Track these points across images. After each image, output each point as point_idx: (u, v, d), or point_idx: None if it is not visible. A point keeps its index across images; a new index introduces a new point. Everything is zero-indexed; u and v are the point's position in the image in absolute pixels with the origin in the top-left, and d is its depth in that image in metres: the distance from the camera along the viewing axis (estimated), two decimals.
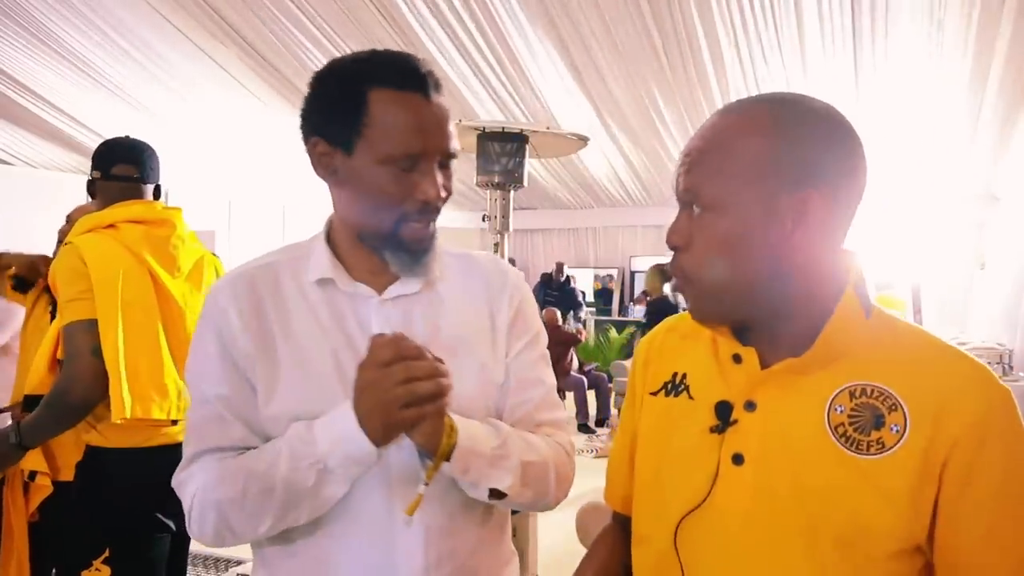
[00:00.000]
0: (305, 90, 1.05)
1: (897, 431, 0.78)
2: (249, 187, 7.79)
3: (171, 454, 1.90)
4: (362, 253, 1.07)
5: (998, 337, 6.12)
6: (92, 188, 2.00)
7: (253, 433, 1.03)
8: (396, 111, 0.98)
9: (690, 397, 0.91)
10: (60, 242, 2.47)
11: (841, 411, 0.81)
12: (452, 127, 1.04)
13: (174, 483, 1.06)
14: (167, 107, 5.68)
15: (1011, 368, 5.65)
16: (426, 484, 0.95)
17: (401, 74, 0.99)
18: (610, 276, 9.75)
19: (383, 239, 1.03)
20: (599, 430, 6.85)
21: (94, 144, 6.11)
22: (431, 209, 1.02)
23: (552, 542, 3.52)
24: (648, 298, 7.61)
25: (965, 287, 7.30)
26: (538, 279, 9.11)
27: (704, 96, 5.51)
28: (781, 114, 0.81)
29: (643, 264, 9.33)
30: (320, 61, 5.11)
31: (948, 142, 5.85)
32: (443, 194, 1.03)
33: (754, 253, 0.81)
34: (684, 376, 0.94)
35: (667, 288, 6.94)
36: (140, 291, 1.87)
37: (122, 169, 1.98)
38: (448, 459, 0.95)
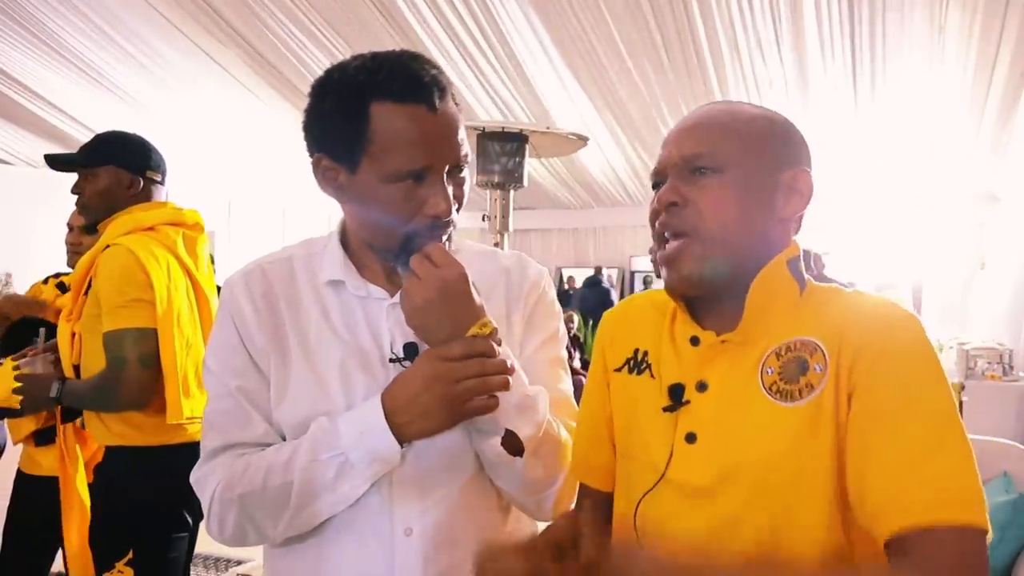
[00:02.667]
0: (306, 90, 1.03)
1: (820, 369, 0.82)
2: (249, 187, 7.79)
3: (193, 450, 1.91)
4: (373, 258, 1.05)
5: (999, 337, 6.12)
6: (144, 186, 1.98)
7: (273, 430, 1.02)
8: (399, 126, 0.93)
9: (652, 376, 0.94)
10: (74, 252, 2.46)
11: (771, 372, 0.85)
12: (462, 133, 0.99)
13: (192, 480, 1.04)
14: (167, 107, 5.68)
15: (1011, 368, 5.64)
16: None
17: (404, 86, 0.94)
18: (610, 276, 9.75)
19: (395, 255, 0.99)
20: None
21: None
22: (442, 224, 0.98)
23: None
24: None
25: (966, 287, 7.30)
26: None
27: (705, 96, 5.51)
28: (770, 110, 0.93)
29: (643, 264, 9.33)
30: (320, 60, 5.11)
31: (949, 142, 5.85)
32: (455, 206, 0.99)
33: (751, 218, 0.87)
34: (646, 354, 0.97)
35: None
36: (187, 294, 1.91)
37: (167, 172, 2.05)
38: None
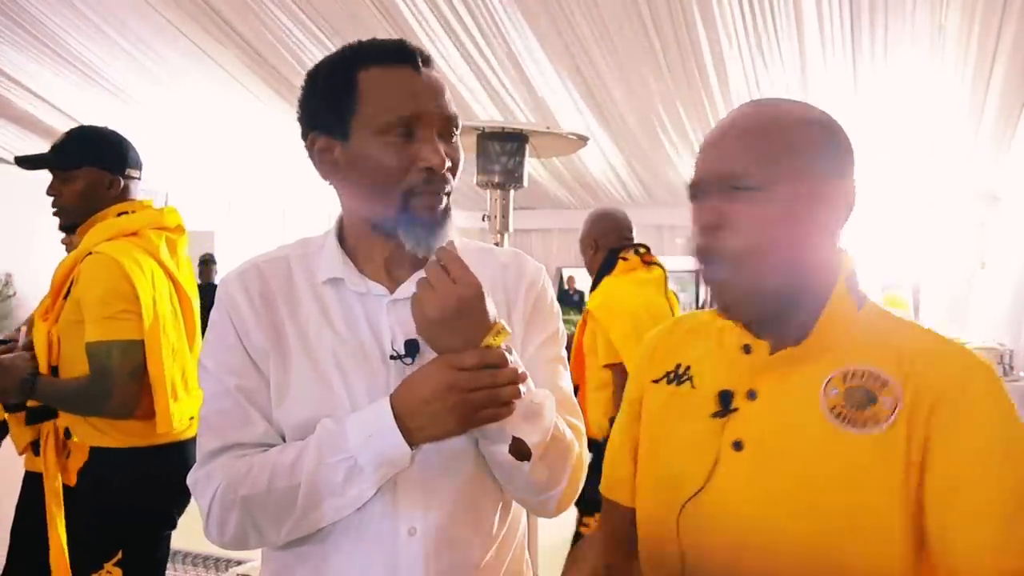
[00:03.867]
0: None
1: (890, 406, 0.80)
2: (249, 187, 7.79)
3: (181, 449, 1.92)
4: (374, 247, 1.04)
5: (999, 337, 6.12)
6: (124, 185, 1.94)
7: (273, 429, 1.01)
8: (387, 82, 0.97)
9: (692, 386, 0.93)
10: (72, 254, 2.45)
11: (836, 393, 0.82)
12: (447, 97, 1.02)
13: (190, 482, 1.02)
14: (167, 107, 5.68)
15: (1011, 368, 5.64)
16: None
17: (388, 52, 0.99)
18: None
19: (395, 219, 0.99)
20: None
21: None
22: (438, 179, 0.99)
23: (552, 543, 3.52)
24: None
25: (966, 287, 7.29)
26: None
27: (704, 96, 5.51)
28: (812, 111, 0.88)
29: None
30: (319, 60, 5.12)
31: (949, 142, 5.84)
32: (448, 163, 1.00)
33: (797, 238, 0.83)
34: (688, 367, 0.95)
35: None
36: (171, 300, 1.90)
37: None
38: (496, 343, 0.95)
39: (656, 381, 0.98)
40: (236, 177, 7.43)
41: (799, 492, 0.81)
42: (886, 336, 0.85)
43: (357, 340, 1.01)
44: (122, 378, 1.76)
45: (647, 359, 1.02)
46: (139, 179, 1.99)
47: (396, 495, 0.98)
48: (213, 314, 1.05)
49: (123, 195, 1.94)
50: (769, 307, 0.87)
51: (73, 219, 1.94)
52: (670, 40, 4.79)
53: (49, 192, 1.93)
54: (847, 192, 0.87)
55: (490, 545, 1.05)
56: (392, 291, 1.04)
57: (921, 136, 5.81)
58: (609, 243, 3.20)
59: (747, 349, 0.89)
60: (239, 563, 3.75)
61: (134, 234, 1.88)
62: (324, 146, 1.01)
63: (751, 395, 0.87)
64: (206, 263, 6.61)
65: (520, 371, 0.94)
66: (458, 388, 0.91)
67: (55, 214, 1.98)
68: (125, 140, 2.00)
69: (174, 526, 1.94)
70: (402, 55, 0.98)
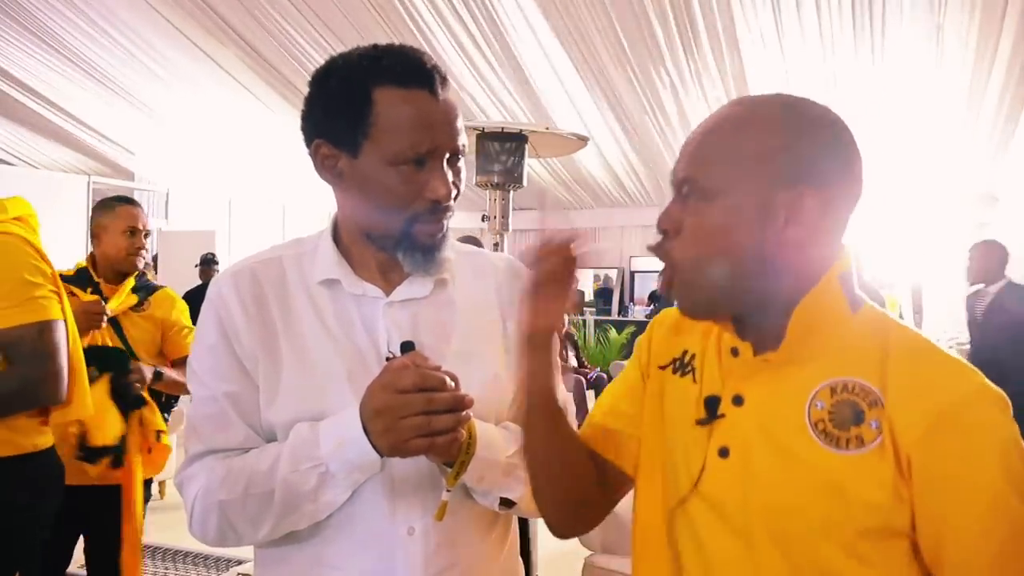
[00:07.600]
0: (305, 90, 1.03)
1: (876, 427, 0.77)
2: (249, 187, 7.80)
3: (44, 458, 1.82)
4: (370, 251, 1.04)
5: None
6: None
7: (257, 434, 1.01)
8: (404, 110, 0.95)
9: (694, 380, 0.90)
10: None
11: (821, 407, 0.80)
12: (460, 123, 1.01)
13: (176, 482, 1.03)
14: (168, 107, 5.68)
15: None
16: (448, 491, 0.95)
17: (406, 71, 0.96)
18: (610, 276, 9.75)
19: (394, 240, 1.00)
20: None
21: (96, 144, 6.08)
22: (442, 208, 0.99)
23: (552, 544, 3.52)
24: None
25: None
26: None
27: (706, 96, 5.51)
28: (784, 112, 0.82)
29: (643, 264, 9.33)
30: (319, 61, 5.12)
31: (948, 142, 5.85)
32: (453, 192, 1.00)
33: (743, 245, 0.80)
34: (692, 357, 0.93)
35: None
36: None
37: None
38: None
39: (663, 367, 0.95)
40: (236, 176, 7.44)
41: (778, 504, 0.80)
42: (883, 346, 0.80)
43: (352, 342, 1.01)
44: (59, 359, 1.68)
45: (658, 340, 0.99)
46: None
47: (394, 496, 0.98)
48: (202, 316, 1.04)
49: None
50: (722, 311, 0.85)
51: None
52: (673, 37, 4.80)
53: None
54: (826, 193, 0.80)
55: (486, 543, 1.06)
56: (388, 293, 1.03)
57: (921, 136, 5.82)
58: None
59: (735, 352, 0.86)
60: (239, 563, 3.75)
61: (20, 219, 1.77)
62: (329, 154, 1.00)
63: (737, 400, 0.85)
64: (207, 263, 6.49)
65: (466, 397, 0.90)
66: (388, 413, 0.88)
67: None
68: None
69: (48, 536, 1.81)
70: (420, 77, 0.96)
